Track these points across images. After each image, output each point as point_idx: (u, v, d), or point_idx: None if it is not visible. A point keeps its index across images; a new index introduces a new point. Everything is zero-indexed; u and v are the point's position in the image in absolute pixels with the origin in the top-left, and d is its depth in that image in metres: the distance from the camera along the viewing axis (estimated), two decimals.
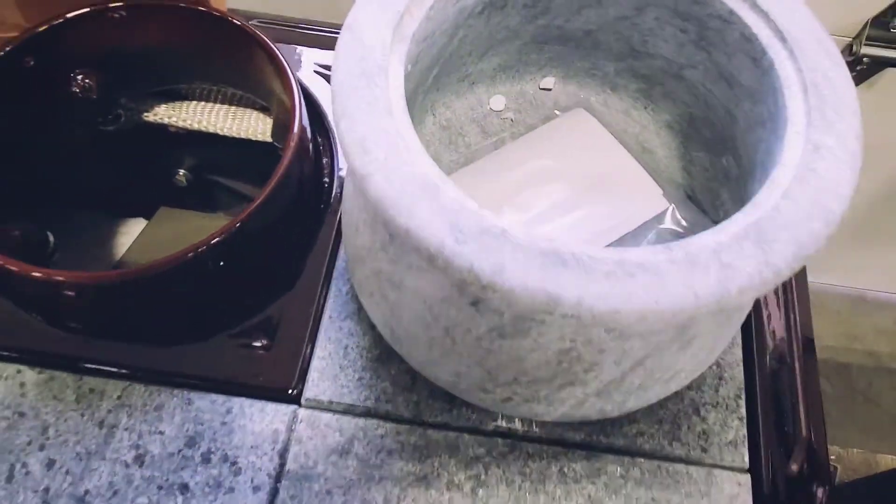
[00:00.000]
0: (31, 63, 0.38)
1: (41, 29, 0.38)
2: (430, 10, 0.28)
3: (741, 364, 0.36)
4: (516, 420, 0.34)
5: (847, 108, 0.26)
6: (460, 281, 0.23)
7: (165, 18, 0.40)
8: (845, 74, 0.27)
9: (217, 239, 0.32)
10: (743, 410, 0.35)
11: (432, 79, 0.36)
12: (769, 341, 0.37)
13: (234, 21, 0.39)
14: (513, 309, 0.23)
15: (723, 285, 0.22)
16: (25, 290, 0.34)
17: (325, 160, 0.42)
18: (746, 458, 0.34)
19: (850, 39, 0.84)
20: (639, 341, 0.27)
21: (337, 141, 0.43)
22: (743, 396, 0.35)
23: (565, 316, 0.22)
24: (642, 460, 0.34)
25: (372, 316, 0.33)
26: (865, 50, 0.83)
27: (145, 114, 0.45)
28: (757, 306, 0.38)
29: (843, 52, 0.88)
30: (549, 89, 0.40)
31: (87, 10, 0.38)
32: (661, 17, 0.32)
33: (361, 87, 0.25)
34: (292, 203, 0.38)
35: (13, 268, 0.31)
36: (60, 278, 0.31)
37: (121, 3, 0.39)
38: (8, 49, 0.37)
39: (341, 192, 0.41)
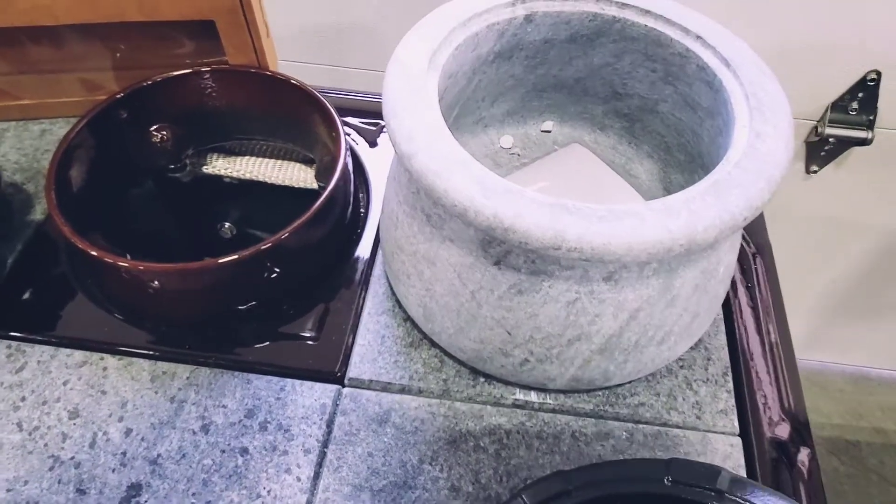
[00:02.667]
0: (125, 116, 0.47)
1: (134, 88, 0.47)
2: (455, 50, 0.37)
3: (726, 347, 0.41)
4: (532, 393, 0.39)
5: (779, 106, 0.33)
6: (487, 228, 0.29)
7: (238, 81, 0.49)
8: (775, 85, 0.34)
9: (268, 245, 0.39)
10: (730, 385, 0.40)
11: (453, 119, 0.44)
12: (744, 325, 0.42)
13: (293, 82, 0.48)
14: (528, 249, 0.29)
15: (691, 225, 0.29)
16: (113, 282, 0.40)
17: (361, 195, 0.50)
18: (736, 424, 0.38)
19: (815, 122, 0.95)
20: (631, 293, 0.32)
21: (372, 182, 0.51)
22: (730, 374, 0.40)
23: (570, 249, 0.28)
24: (644, 426, 0.38)
25: (406, 302, 0.39)
26: (829, 131, 0.93)
27: (205, 166, 0.53)
28: (728, 306, 0.44)
29: (809, 134, 0.99)
30: (549, 131, 0.48)
31: (175, 74, 0.48)
32: (634, 60, 0.41)
33: (406, 96, 0.33)
34: (336, 222, 0.45)
35: (108, 259, 0.38)
36: (144, 268, 0.38)
37: (207, 69, 0.48)
38: (109, 103, 0.46)
39: (375, 222, 0.48)
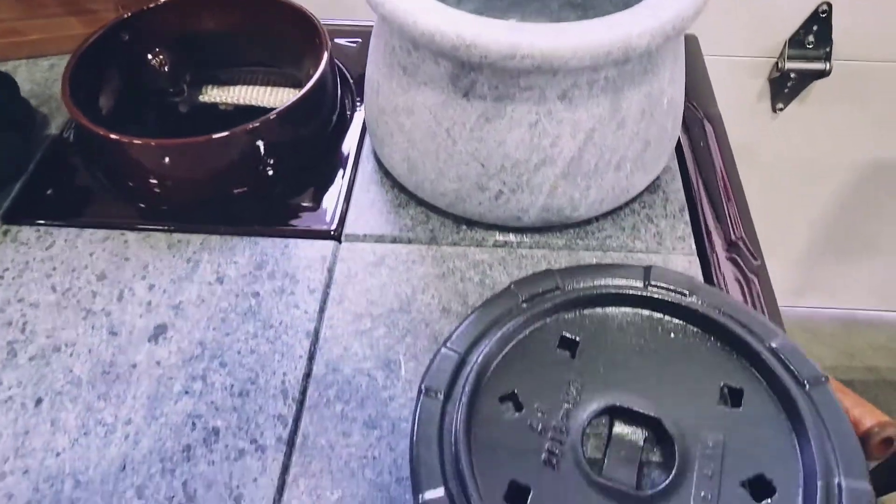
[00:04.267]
0: (126, 38, 0.52)
1: (135, 12, 0.52)
2: None
3: (682, 190, 0.46)
4: (510, 234, 0.43)
5: None
6: (452, 49, 0.34)
7: (229, 4, 0.53)
8: None
9: (257, 123, 0.43)
10: (687, 218, 0.44)
11: None
12: (697, 169, 0.47)
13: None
14: (489, 65, 0.34)
15: (627, 31, 0.34)
16: (127, 166, 0.45)
17: (347, 102, 0.55)
18: (693, 247, 0.43)
19: (775, 59, 1.00)
20: (584, 112, 0.37)
21: (356, 94, 0.55)
22: (686, 211, 0.45)
23: (524, 56, 0.33)
24: (612, 253, 0.43)
25: (392, 163, 0.44)
26: (790, 65, 0.98)
27: (201, 96, 0.58)
28: (682, 160, 0.49)
29: (771, 71, 1.03)
30: None
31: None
32: None
33: None
34: (323, 118, 0.50)
35: (123, 139, 0.42)
36: (155, 144, 0.42)
37: None
38: (112, 24, 0.51)
39: (360, 123, 0.53)
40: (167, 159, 0.43)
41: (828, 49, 0.96)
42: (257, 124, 0.43)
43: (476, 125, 0.38)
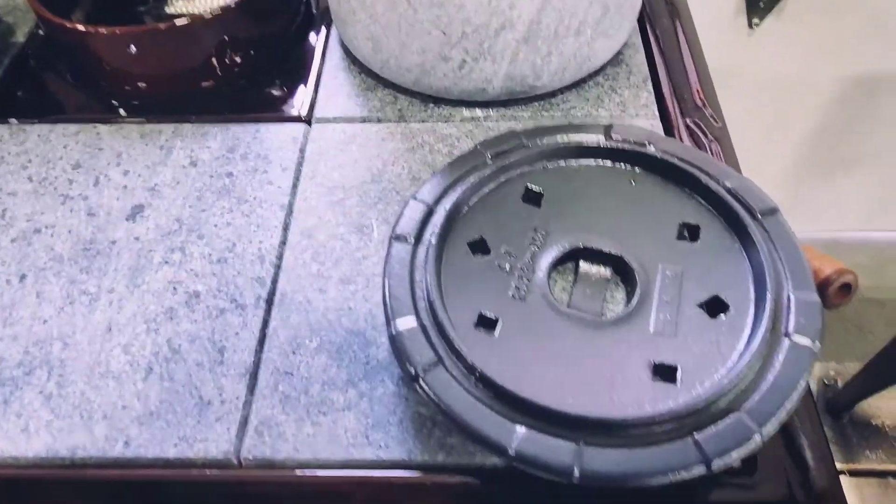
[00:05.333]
0: None
1: None
2: None
3: (645, 63, 0.47)
4: (477, 109, 0.44)
5: None
6: None
7: None
8: None
9: (219, 12, 0.43)
10: (650, 87, 0.45)
11: None
12: (659, 40, 0.48)
13: None
14: None
15: None
16: (95, 60, 0.45)
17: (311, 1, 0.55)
18: (656, 112, 0.44)
19: None
20: None
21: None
22: (649, 82, 0.46)
23: None
24: (576, 120, 0.44)
25: (356, 44, 0.44)
26: None
27: (166, 7, 0.58)
28: (644, 31, 0.49)
29: None
30: None
31: None
32: None
33: None
34: (287, 13, 0.50)
35: (90, 29, 0.42)
36: (122, 32, 0.42)
37: None
38: None
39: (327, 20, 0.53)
40: (132, 48, 0.43)
41: None
42: (219, 12, 0.44)
43: None
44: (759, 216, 0.34)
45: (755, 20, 1.04)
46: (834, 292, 0.37)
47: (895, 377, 1.01)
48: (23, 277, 0.37)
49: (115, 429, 0.32)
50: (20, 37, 0.51)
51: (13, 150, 0.43)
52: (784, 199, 1.42)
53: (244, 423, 0.32)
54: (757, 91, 1.14)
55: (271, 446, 0.31)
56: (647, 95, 0.45)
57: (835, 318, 1.44)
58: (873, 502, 1.09)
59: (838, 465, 1.13)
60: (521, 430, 0.28)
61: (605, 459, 0.27)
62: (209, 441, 0.31)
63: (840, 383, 1.27)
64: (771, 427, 0.28)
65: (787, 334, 0.30)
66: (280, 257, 0.38)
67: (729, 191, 0.35)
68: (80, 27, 0.42)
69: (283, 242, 0.39)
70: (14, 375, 0.34)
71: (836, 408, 1.18)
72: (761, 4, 1.03)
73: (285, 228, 0.39)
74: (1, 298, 0.37)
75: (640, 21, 0.49)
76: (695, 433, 0.28)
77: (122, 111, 0.45)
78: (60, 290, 0.37)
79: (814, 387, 1.26)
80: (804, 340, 0.30)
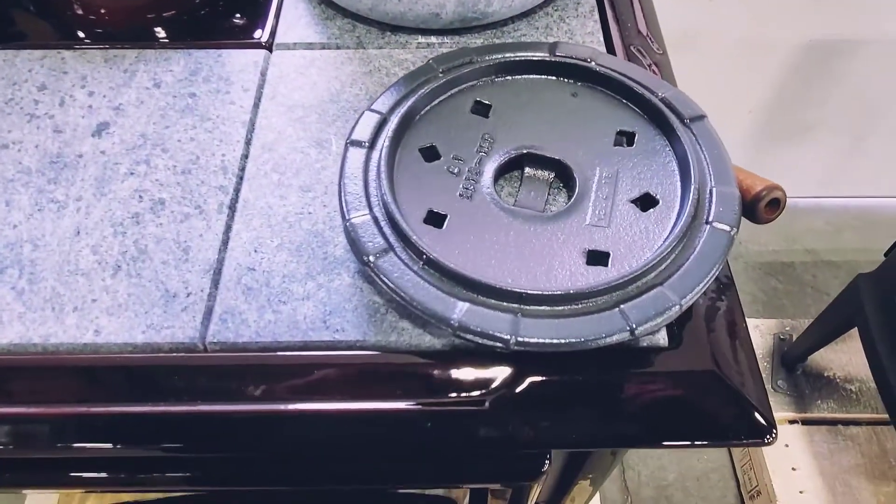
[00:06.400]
0: None
1: None
2: None
3: None
4: (432, 36, 0.46)
5: None
6: None
7: None
8: None
9: None
10: (597, 17, 0.48)
11: None
12: None
13: None
14: None
15: None
16: None
17: None
18: (602, 39, 0.46)
19: None
20: None
21: None
22: (595, 12, 0.48)
23: None
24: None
25: None
26: None
27: None
28: None
29: None
30: None
31: None
32: None
33: None
34: None
35: None
36: None
37: None
38: None
39: None
40: None
41: None
42: None
43: None
44: (688, 121, 0.37)
45: None
46: (763, 208, 0.40)
47: (843, 328, 1.06)
48: None
49: (85, 319, 0.34)
50: None
51: None
52: (741, 164, 1.47)
53: (209, 312, 0.34)
54: (716, 55, 1.17)
55: (234, 332, 0.33)
56: (594, 24, 0.47)
57: (792, 283, 1.49)
58: (823, 448, 1.15)
59: (792, 415, 1.19)
60: (463, 305, 0.31)
61: (540, 328, 0.30)
62: (175, 328, 0.33)
63: (794, 338, 1.33)
64: (689, 298, 0.31)
65: (707, 221, 0.33)
66: (242, 169, 0.40)
67: (662, 100, 0.38)
68: None
69: (245, 156, 0.40)
70: None
71: (791, 361, 1.23)
72: None
73: (247, 143, 0.41)
74: None
75: None
76: (621, 305, 0.31)
77: (86, 39, 0.47)
78: (29, 198, 0.38)
79: (769, 342, 1.32)
80: (723, 226, 0.33)
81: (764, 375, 1.26)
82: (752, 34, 1.14)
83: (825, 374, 1.22)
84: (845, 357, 1.23)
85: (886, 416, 0.91)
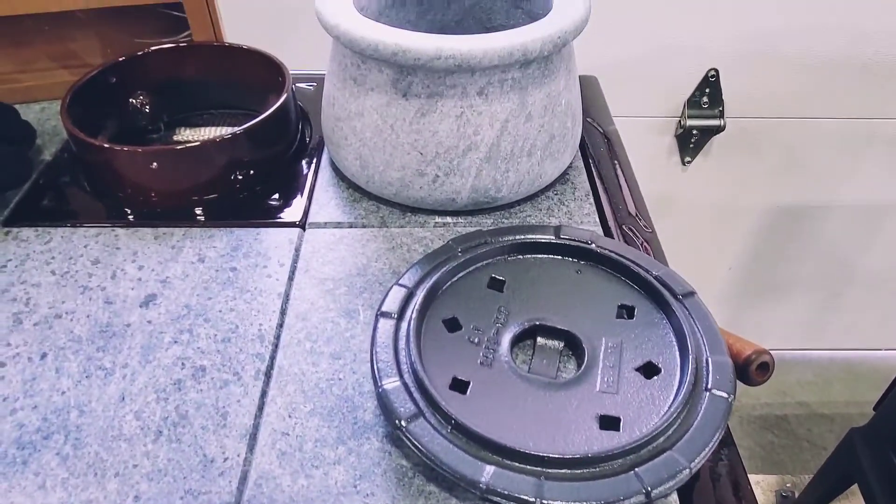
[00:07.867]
0: (113, 80, 0.60)
1: (123, 59, 0.61)
2: None
3: (587, 182, 0.56)
4: (448, 217, 0.52)
5: None
6: (392, 56, 0.44)
7: (203, 53, 0.63)
8: None
9: (230, 135, 0.52)
10: (592, 200, 0.54)
11: None
12: (597, 162, 0.57)
13: (244, 47, 0.62)
14: (420, 67, 0.44)
15: (524, 38, 0.44)
16: (117, 172, 0.52)
17: (306, 131, 0.64)
18: (598, 220, 0.52)
19: (678, 118, 1.15)
20: (498, 105, 0.47)
21: (313, 125, 0.65)
22: (591, 196, 0.55)
23: (447, 57, 0.43)
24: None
25: (346, 164, 0.53)
26: (690, 123, 1.13)
27: (175, 136, 0.66)
28: (586, 156, 0.59)
29: (676, 129, 1.18)
30: None
31: (155, 48, 0.62)
32: None
33: (329, 6, 0.48)
34: (287, 138, 0.59)
35: (116, 147, 0.50)
36: (143, 151, 0.50)
37: (183, 44, 0.62)
38: (103, 68, 0.59)
39: (318, 146, 0.62)
40: (154, 164, 0.51)
41: (720, 108, 1.12)
42: (228, 137, 0.52)
43: (414, 119, 0.48)
44: (681, 297, 0.42)
45: (687, 158, 1.19)
46: (754, 371, 0.44)
47: (844, 484, 1.06)
48: (44, 356, 0.42)
49: (126, 485, 0.35)
50: (48, 156, 0.58)
51: (38, 248, 0.49)
52: (726, 320, 1.52)
53: (244, 477, 0.36)
54: (693, 218, 1.27)
55: (269, 497, 0.35)
56: (590, 206, 0.54)
57: (788, 436, 1.49)
58: None
59: None
60: (490, 468, 0.33)
61: (563, 491, 0.32)
62: (212, 493, 0.35)
63: (796, 495, 1.30)
64: (698, 462, 0.33)
65: (707, 389, 0.37)
66: (278, 337, 0.43)
67: (656, 278, 0.43)
68: (115, 146, 0.50)
69: (281, 325, 0.44)
70: (33, 440, 0.37)
71: None
72: (691, 145, 1.18)
73: (282, 312, 0.45)
74: (22, 373, 0.41)
75: (583, 149, 0.59)
76: (636, 468, 0.33)
77: (137, 218, 0.52)
78: (78, 366, 0.41)
79: (771, 499, 1.29)
80: (721, 393, 0.36)
81: None
82: (726, 199, 1.24)
83: None
84: None
85: None
